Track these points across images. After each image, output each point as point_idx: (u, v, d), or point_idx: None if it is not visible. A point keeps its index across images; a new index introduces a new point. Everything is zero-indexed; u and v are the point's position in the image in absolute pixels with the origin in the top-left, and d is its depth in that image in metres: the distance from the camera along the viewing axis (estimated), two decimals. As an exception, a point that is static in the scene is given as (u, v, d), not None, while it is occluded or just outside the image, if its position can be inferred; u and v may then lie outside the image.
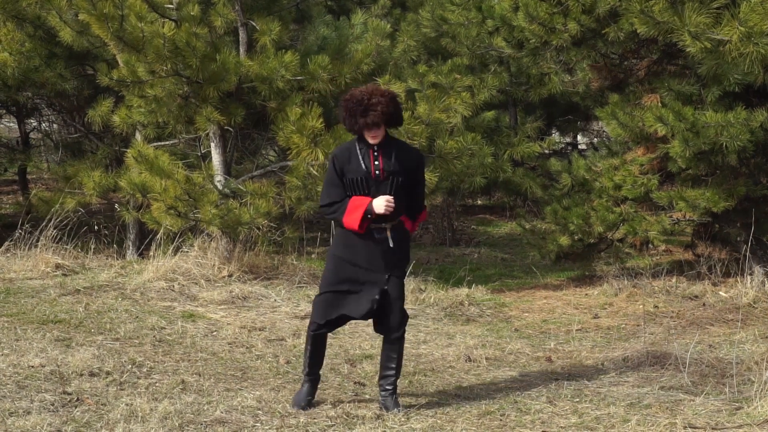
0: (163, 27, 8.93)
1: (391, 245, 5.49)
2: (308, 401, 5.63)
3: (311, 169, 9.14)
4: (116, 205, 10.39)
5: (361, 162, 5.45)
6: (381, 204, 5.38)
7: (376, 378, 6.35)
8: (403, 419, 5.43)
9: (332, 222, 5.63)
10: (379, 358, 6.71)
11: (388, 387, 5.61)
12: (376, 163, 5.45)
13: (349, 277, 5.52)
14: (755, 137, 8.41)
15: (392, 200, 5.40)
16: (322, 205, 5.58)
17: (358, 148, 5.49)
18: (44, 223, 9.85)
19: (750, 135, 8.33)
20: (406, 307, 5.75)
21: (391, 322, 5.56)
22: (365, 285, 5.51)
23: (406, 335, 5.73)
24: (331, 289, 5.55)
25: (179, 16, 9.21)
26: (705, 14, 7.25)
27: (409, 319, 7.99)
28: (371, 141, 5.44)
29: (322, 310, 5.56)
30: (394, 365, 5.61)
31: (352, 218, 5.41)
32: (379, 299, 5.50)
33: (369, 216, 5.41)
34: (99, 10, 8.70)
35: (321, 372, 5.75)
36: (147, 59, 8.94)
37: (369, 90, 5.43)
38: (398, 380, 5.71)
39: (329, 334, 5.76)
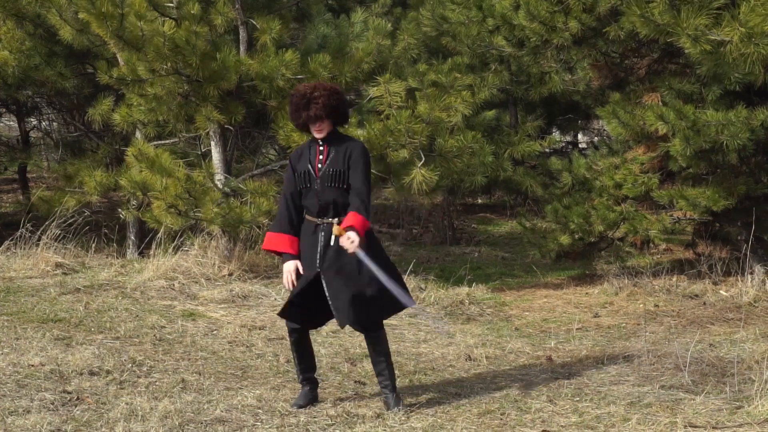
0: (163, 26, 8.93)
1: (332, 243, 5.46)
2: (310, 402, 5.63)
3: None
4: (120, 209, 10.36)
5: (308, 158, 5.57)
6: (285, 272, 5.53)
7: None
8: (403, 418, 5.43)
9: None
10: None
11: (385, 383, 5.61)
12: (320, 157, 5.55)
13: (301, 279, 5.54)
14: (756, 136, 8.41)
15: (292, 282, 5.48)
16: (282, 201, 5.71)
17: (309, 145, 5.63)
18: (48, 222, 9.85)
19: (750, 134, 8.33)
20: None
21: (338, 319, 5.50)
22: (307, 281, 5.51)
23: (406, 334, 5.72)
24: (293, 294, 5.58)
25: (179, 14, 9.20)
26: (705, 15, 7.25)
27: (410, 318, 8.05)
28: (316, 135, 5.55)
29: (288, 313, 5.62)
30: (381, 359, 5.59)
31: (269, 242, 5.59)
32: (312, 298, 5.51)
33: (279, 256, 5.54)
34: (98, 9, 8.69)
35: (320, 373, 5.75)
36: (147, 58, 8.94)
37: (312, 85, 5.59)
38: (394, 376, 5.68)
39: (324, 333, 5.78)
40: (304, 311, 5.58)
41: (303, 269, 5.54)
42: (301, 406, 5.58)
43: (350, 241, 5.28)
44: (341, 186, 5.51)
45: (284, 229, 5.58)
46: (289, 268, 5.54)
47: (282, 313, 5.63)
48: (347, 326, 5.69)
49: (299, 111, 5.51)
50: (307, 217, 5.58)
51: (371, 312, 5.53)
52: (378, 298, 5.49)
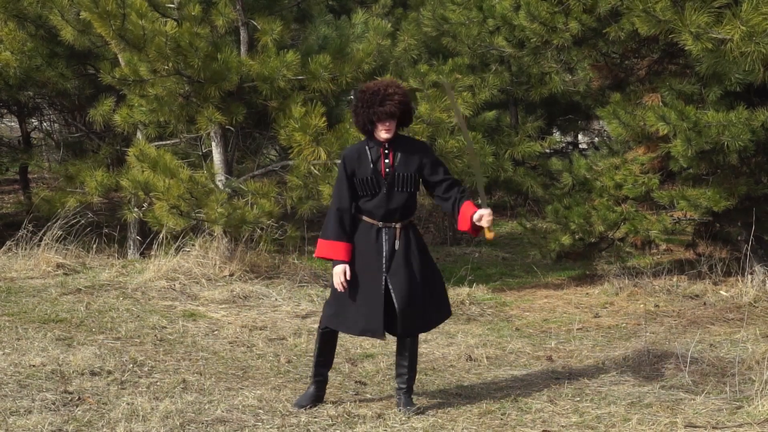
0: (165, 26, 8.94)
1: (396, 248, 5.41)
2: (312, 403, 5.61)
3: (312, 168, 9.15)
4: (123, 210, 10.37)
5: (371, 162, 5.39)
6: (336, 274, 5.37)
7: (377, 377, 6.36)
8: (404, 418, 5.44)
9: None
10: (380, 357, 6.74)
11: (402, 385, 5.60)
12: (387, 161, 5.39)
13: (353, 282, 5.42)
14: (756, 136, 8.41)
15: (345, 283, 5.34)
16: (332, 208, 5.50)
17: (368, 147, 5.42)
18: (49, 223, 9.86)
19: (751, 134, 8.33)
20: None
21: (399, 326, 5.47)
22: (366, 291, 5.41)
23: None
24: (336, 296, 5.48)
25: (180, 15, 9.21)
26: (706, 13, 7.25)
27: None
28: (384, 135, 5.35)
29: (327, 316, 5.53)
30: (406, 364, 5.58)
31: (320, 251, 5.42)
32: (379, 302, 5.41)
33: (338, 269, 5.36)
34: (102, 8, 8.70)
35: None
36: (149, 58, 8.94)
37: (385, 82, 5.42)
38: (414, 380, 5.67)
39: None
40: (350, 316, 5.46)
41: (359, 272, 5.41)
42: (303, 406, 5.57)
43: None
44: (410, 190, 5.44)
45: (339, 237, 5.39)
46: (340, 270, 5.37)
47: (329, 323, 5.51)
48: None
49: (372, 107, 5.29)
50: (366, 219, 5.45)
51: (430, 316, 5.54)
52: (437, 300, 5.54)
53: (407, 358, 5.56)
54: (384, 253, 5.40)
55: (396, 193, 5.40)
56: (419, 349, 7.20)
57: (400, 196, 5.42)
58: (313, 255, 5.49)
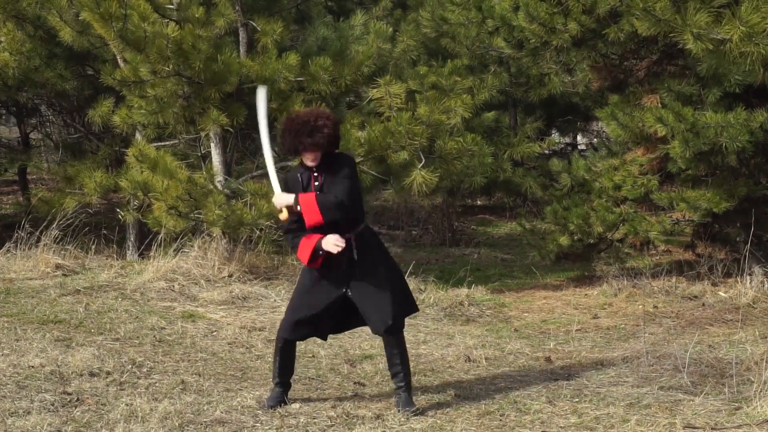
0: (166, 27, 8.93)
1: (356, 257, 5.50)
2: (278, 403, 5.65)
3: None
4: (121, 210, 10.37)
5: (302, 187, 5.50)
6: (330, 243, 5.39)
7: (376, 378, 6.37)
8: (402, 419, 5.44)
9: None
10: (378, 358, 6.74)
11: (400, 384, 5.63)
12: (317, 183, 5.50)
13: (316, 291, 5.54)
14: (755, 138, 8.42)
15: (336, 240, 5.38)
16: (283, 232, 5.63)
17: (299, 174, 5.55)
18: (45, 224, 9.86)
19: (750, 136, 8.33)
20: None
21: (371, 327, 5.59)
22: (329, 300, 5.53)
23: (406, 335, 5.74)
24: (299, 306, 5.58)
25: (179, 16, 9.21)
26: (706, 13, 7.25)
27: (410, 319, 8.04)
28: (310, 163, 5.47)
29: (289, 327, 5.61)
30: (398, 361, 5.61)
31: (304, 255, 5.47)
32: (342, 314, 5.58)
33: (320, 252, 5.42)
34: (104, 9, 8.69)
35: (319, 374, 5.77)
36: (149, 59, 8.94)
37: (315, 112, 5.52)
38: (410, 378, 5.69)
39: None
40: (311, 327, 5.62)
41: (321, 289, 5.52)
42: (272, 407, 5.59)
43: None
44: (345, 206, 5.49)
45: (299, 240, 5.51)
46: (329, 240, 5.39)
47: (286, 333, 5.62)
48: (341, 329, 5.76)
49: (300, 137, 5.39)
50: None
51: (397, 313, 5.58)
52: (400, 297, 5.60)
53: (397, 355, 5.60)
54: (343, 266, 5.49)
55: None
56: (418, 350, 7.20)
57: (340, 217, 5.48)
58: (305, 264, 5.54)
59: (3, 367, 6.11)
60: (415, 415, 5.47)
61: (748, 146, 8.42)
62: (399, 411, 5.52)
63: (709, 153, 8.60)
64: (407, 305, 5.75)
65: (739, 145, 8.32)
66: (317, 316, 5.56)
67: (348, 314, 5.63)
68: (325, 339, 6.02)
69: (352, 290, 5.52)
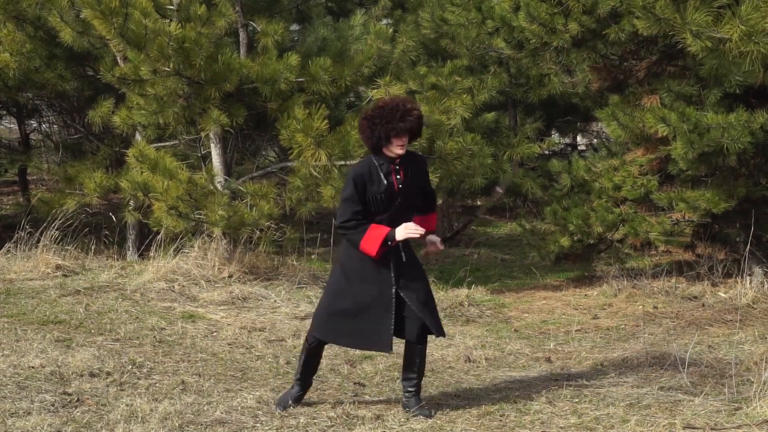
0: (169, 25, 8.94)
1: (404, 259, 5.44)
2: (292, 404, 5.61)
3: (312, 171, 9.16)
4: (121, 211, 10.37)
5: (383, 178, 5.34)
6: (403, 232, 5.32)
7: (376, 378, 6.37)
8: (402, 419, 5.44)
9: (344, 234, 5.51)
10: (378, 358, 6.74)
11: (410, 389, 5.56)
12: (398, 177, 5.38)
13: (357, 290, 5.42)
14: (755, 138, 8.42)
15: (415, 228, 5.33)
16: (340, 223, 5.39)
17: (377, 164, 5.38)
18: (45, 224, 9.86)
19: (751, 137, 8.33)
20: None
21: (408, 332, 5.47)
22: (372, 304, 5.40)
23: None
24: (336, 304, 5.46)
25: (180, 16, 9.21)
26: (706, 12, 7.26)
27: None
28: (399, 151, 5.32)
29: (323, 329, 5.50)
30: (416, 369, 5.54)
31: (369, 245, 5.31)
32: (388, 316, 5.42)
33: (389, 243, 5.33)
34: (105, 5, 8.69)
35: (319, 374, 5.75)
36: (150, 57, 8.94)
37: (402, 98, 5.43)
38: (421, 382, 5.66)
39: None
40: (354, 330, 5.45)
41: (365, 286, 5.41)
42: (288, 407, 5.56)
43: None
44: (419, 203, 5.53)
45: (366, 229, 5.35)
46: (401, 230, 5.33)
47: (320, 333, 5.50)
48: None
49: (392, 122, 5.24)
50: None
51: (435, 321, 5.53)
52: (431, 313, 5.52)
53: (417, 364, 5.53)
54: (392, 266, 5.41)
55: (407, 208, 5.45)
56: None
57: (410, 210, 5.49)
58: (366, 252, 5.35)
59: (3, 367, 6.11)
60: (427, 416, 5.46)
61: (750, 147, 8.42)
62: (407, 411, 5.50)
63: (711, 154, 8.60)
64: (437, 325, 5.59)
65: (741, 147, 8.32)
66: (359, 316, 5.39)
67: (394, 319, 5.44)
68: (384, 347, 5.54)
69: (403, 291, 5.41)
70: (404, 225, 5.35)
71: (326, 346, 7.02)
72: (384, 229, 5.33)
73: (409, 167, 5.44)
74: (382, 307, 5.40)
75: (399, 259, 5.43)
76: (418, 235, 5.36)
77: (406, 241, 5.45)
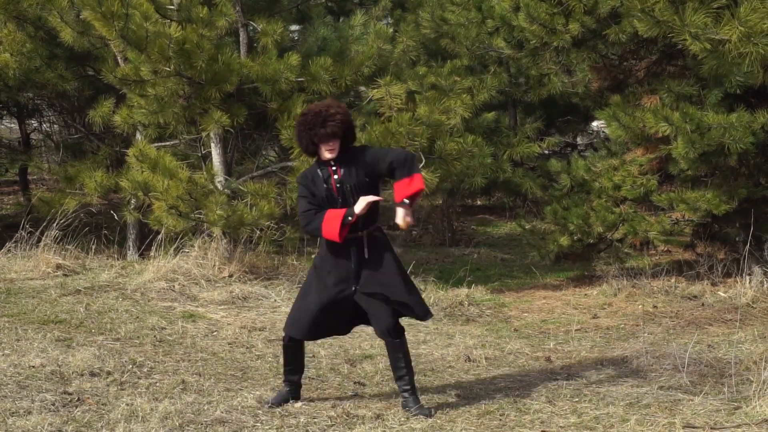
0: (169, 27, 8.95)
1: (366, 256, 5.47)
2: (281, 402, 5.65)
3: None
4: (121, 210, 10.38)
5: (323, 181, 5.47)
6: (361, 205, 5.40)
7: (376, 378, 6.38)
8: (402, 419, 5.44)
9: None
10: (378, 358, 6.75)
11: (405, 387, 5.58)
12: (336, 177, 5.46)
13: (323, 289, 5.51)
14: (756, 138, 8.42)
15: (371, 199, 5.41)
16: (300, 214, 5.56)
17: (318, 169, 5.51)
18: (45, 224, 9.87)
19: (752, 137, 8.34)
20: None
21: (377, 329, 5.57)
22: (338, 298, 5.50)
23: (406, 335, 5.73)
24: (305, 303, 5.56)
25: (180, 17, 9.22)
26: (705, 14, 7.26)
27: (409, 320, 8.06)
28: (328, 155, 5.43)
29: (291, 325, 5.61)
30: (402, 365, 5.57)
31: (330, 229, 5.38)
32: (351, 312, 5.55)
33: (349, 220, 5.37)
34: (107, 8, 8.70)
35: (319, 374, 5.76)
36: (151, 58, 8.95)
37: (327, 103, 5.50)
38: (414, 380, 5.66)
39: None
40: (317, 327, 5.57)
41: (329, 287, 5.49)
42: (272, 406, 5.60)
43: (367, 203, 5.39)
44: (367, 194, 5.48)
45: (322, 214, 5.43)
46: (359, 203, 5.40)
47: (290, 331, 5.60)
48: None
49: (315, 128, 5.38)
50: None
51: (411, 307, 5.55)
52: (413, 299, 5.56)
53: (401, 359, 5.56)
54: (353, 264, 5.47)
55: (350, 205, 5.43)
56: (418, 350, 7.22)
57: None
58: (329, 236, 5.42)
59: (4, 367, 6.12)
60: (423, 415, 5.47)
61: (751, 148, 8.43)
62: (407, 410, 5.51)
63: (711, 153, 8.60)
64: (420, 308, 5.61)
65: (742, 147, 8.32)
66: (323, 313, 5.50)
67: (357, 312, 5.59)
68: (342, 333, 5.88)
69: (361, 289, 5.48)
70: (362, 198, 5.40)
71: (326, 345, 7.05)
72: (340, 211, 5.39)
73: (347, 165, 5.46)
74: (343, 304, 5.51)
75: (361, 256, 5.47)
76: (374, 201, 5.42)
77: (373, 236, 5.50)
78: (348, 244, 5.46)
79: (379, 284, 5.48)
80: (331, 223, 5.38)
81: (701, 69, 8.27)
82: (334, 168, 5.48)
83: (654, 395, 5.94)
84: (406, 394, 5.60)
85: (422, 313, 5.59)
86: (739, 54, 7.13)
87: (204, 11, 9.09)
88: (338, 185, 5.45)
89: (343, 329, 5.80)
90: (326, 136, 5.38)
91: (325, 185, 5.47)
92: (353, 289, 5.50)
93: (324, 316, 5.53)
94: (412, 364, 5.70)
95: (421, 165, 9.30)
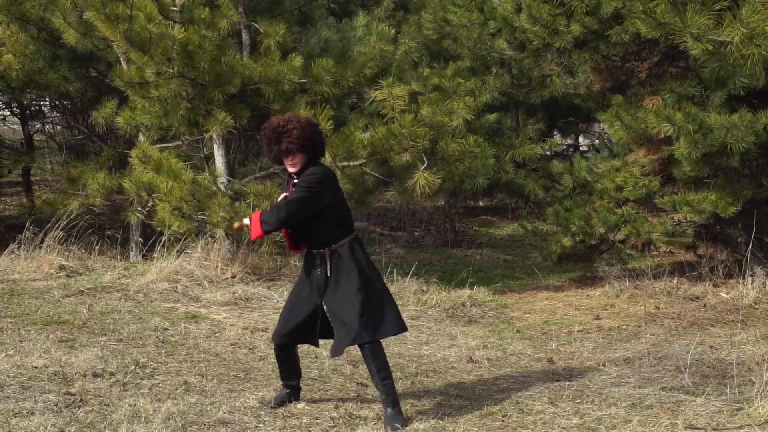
0: (172, 29, 8.96)
1: (328, 274, 5.43)
2: (280, 404, 5.67)
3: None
4: (127, 211, 10.39)
5: (281, 193, 5.57)
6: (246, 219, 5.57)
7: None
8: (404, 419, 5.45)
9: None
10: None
11: (382, 398, 5.46)
12: (287, 193, 5.51)
13: (299, 300, 5.56)
14: (759, 139, 8.43)
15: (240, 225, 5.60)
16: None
17: (287, 178, 5.57)
18: (49, 225, 9.89)
19: (755, 137, 8.34)
20: (408, 308, 5.74)
21: (335, 342, 5.51)
22: (308, 310, 5.52)
23: (409, 336, 5.75)
24: (286, 312, 5.62)
25: (183, 18, 9.24)
26: (707, 15, 7.27)
27: (412, 321, 8.08)
28: (290, 169, 5.41)
29: (278, 331, 5.65)
30: (373, 371, 5.42)
31: (255, 229, 5.46)
32: (316, 321, 5.54)
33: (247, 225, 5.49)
34: (111, 10, 8.72)
35: (322, 375, 5.76)
36: (154, 60, 8.97)
37: (286, 117, 5.44)
38: (390, 386, 5.41)
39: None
40: (296, 333, 5.59)
41: (301, 297, 5.55)
42: (273, 407, 5.63)
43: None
44: (309, 219, 5.40)
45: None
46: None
47: (276, 338, 5.66)
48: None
49: (270, 144, 5.39)
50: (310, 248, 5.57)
51: (357, 335, 5.39)
52: (366, 317, 5.39)
53: (370, 365, 5.43)
54: (317, 278, 5.48)
55: (304, 222, 5.41)
56: (420, 351, 7.22)
57: (311, 222, 5.42)
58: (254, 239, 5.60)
59: (7, 367, 6.13)
60: (415, 412, 5.46)
61: (753, 148, 8.43)
62: (386, 425, 5.31)
63: (713, 154, 8.60)
64: (372, 327, 5.40)
65: (745, 147, 8.32)
66: (300, 323, 5.53)
67: (325, 325, 5.56)
68: (314, 345, 5.80)
69: (326, 305, 5.48)
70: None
71: (328, 347, 7.06)
72: (259, 212, 5.51)
73: (299, 182, 5.42)
74: (311, 312, 5.52)
75: (324, 274, 5.45)
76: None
77: (338, 253, 5.43)
78: (315, 259, 5.49)
79: (336, 303, 5.43)
80: (255, 224, 5.46)
81: (703, 71, 8.28)
82: (295, 181, 5.46)
83: (656, 396, 5.94)
84: (384, 406, 5.44)
85: (337, 346, 5.44)
86: (741, 56, 7.13)
87: (206, 12, 9.11)
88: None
89: (314, 339, 5.69)
90: (282, 152, 5.37)
91: (282, 195, 5.58)
92: (320, 303, 5.49)
93: (299, 325, 5.52)
94: (414, 365, 5.68)
95: (424, 166, 9.31)
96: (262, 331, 7.65)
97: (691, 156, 8.51)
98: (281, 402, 5.69)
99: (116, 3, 8.72)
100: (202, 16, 9.06)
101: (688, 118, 8.37)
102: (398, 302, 6.69)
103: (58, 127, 14.73)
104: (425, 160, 9.33)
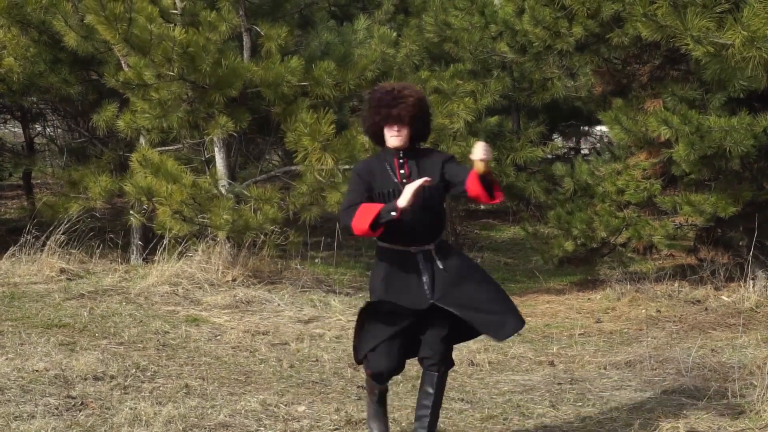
0: (173, 30, 8.96)
1: (440, 266, 4.65)
2: None
3: (317, 175, 9.18)
4: (128, 214, 10.39)
5: (390, 172, 4.66)
6: (407, 195, 4.47)
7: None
8: (406, 423, 5.44)
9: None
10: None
11: (421, 430, 4.80)
12: (402, 171, 4.65)
13: (392, 308, 4.70)
14: (758, 142, 8.42)
15: (419, 185, 4.48)
16: (342, 215, 4.70)
17: (383, 157, 4.72)
18: (52, 228, 9.89)
19: (754, 140, 8.34)
20: None
21: (426, 351, 4.81)
22: (411, 319, 4.71)
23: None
24: (375, 329, 4.78)
25: (183, 21, 9.24)
26: (708, 18, 7.27)
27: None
28: (394, 143, 4.64)
29: (375, 359, 4.80)
30: (429, 404, 4.79)
31: (361, 221, 4.51)
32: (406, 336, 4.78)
33: (392, 215, 4.46)
34: (110, 11, 8.72)
35: (323, 377, 5.69)
36: (154, 62, 8.96)
37: (401, 84, 4.80)
38: (435, 425, 4.85)
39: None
40: (395, 352, 4.75)
41: (393, 305, 4.67)
42: None
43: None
44: (435, 205, 4.69)
45: (357, 206, 4.59)
46: (405, 193, 4.48)
47: (364, 363, 4.89)
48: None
49: (379, 108, 4.63)
50: (391, 245, 4.69)
51: (516, 321, 4.77)
52: (505, 305, 4.79)
53: (432, 396, 4.79)
54: (424, 280, 4.66)
55: (419, 209, 4.57)
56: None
57: (424, 212, 4.63)
58: (358, 229, 4.54)
59: (7, 371, 6.13)
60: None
61: (752, 150, 8.43)
62: None
63: (713, 157, 8.60)
64: (514, 321, 4.77)
65: (743, 150, 8.32)
66: (394, 337, 4.71)
67: (413, 340, 4.80)
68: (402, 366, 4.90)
69: (446, 302, 4.64)
70: (407, 187, 4.51)
71: (329, 349, 7.05)
72: (376, 205, 4.54)
73: (418, 161, 4.68)
74: (412, 323, 4.74)
75: (432, 270, 4.67)
76: (416, 195, 4.51)
77: (441, 245, 4.74)
78: (413, 258, 4.68)
79: (467, 286, 4.69)
80: (365, 215, 4.52)
81: (704, 74, 8.27)
82: (401, 161, 4.67)
83: (657, 400, 5.93)
84: None
85: (512, 326, 4.75)
86: (742, 58, 7.13)
87: (212, 15, 9.11)
88: (404, 181, 4.62)
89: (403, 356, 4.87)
90: (393, 118, 4.60)
91: (392, 179, 4.64)
92: (429, 303, 4.66)
93: (392, 340, 4.75)
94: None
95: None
96: (263, 334, 7.64)
97: (688, 158, 8.51)
98: None
99: (116, 4, 8.71)
100: (209, 19, 9.06)
101: (684, 121, 8.37)
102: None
103: (59, 130, 14.73)
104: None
